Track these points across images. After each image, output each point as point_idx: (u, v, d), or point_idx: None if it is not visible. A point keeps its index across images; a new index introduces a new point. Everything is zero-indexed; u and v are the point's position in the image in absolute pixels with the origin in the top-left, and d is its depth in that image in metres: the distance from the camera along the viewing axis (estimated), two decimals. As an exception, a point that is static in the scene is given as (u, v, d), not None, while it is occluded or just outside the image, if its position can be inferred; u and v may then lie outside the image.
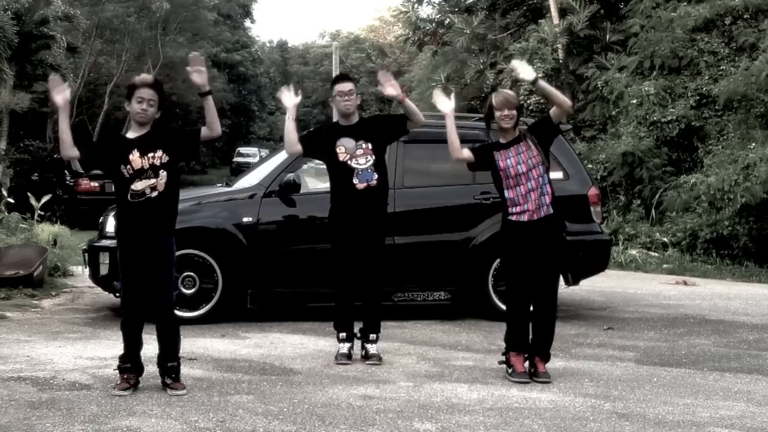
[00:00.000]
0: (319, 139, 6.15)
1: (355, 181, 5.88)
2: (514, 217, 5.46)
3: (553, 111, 5.52)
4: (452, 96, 5.61)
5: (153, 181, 4.97)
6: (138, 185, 4.96)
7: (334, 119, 6.31)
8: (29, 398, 4.87)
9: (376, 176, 5.93)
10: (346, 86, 6.02)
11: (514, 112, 5.45)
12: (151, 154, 4.98)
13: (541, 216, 5.42)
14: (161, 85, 5.21)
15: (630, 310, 8.70)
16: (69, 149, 5.03)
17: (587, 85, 18.91)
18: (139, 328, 5.12)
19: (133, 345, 5.10)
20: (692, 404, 5.03)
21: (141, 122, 5.03)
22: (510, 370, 5.51)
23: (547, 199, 5.45)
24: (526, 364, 5.52)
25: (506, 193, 5.48)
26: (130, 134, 5.09)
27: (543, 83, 5.58)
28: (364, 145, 5.93)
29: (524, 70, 5.56)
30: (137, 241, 5.01)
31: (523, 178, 5.43)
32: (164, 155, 5.00)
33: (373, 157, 5.94)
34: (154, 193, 4.97)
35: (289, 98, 5.96)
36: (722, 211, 13.98)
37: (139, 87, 5.00)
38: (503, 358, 5.60)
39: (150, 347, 5.24)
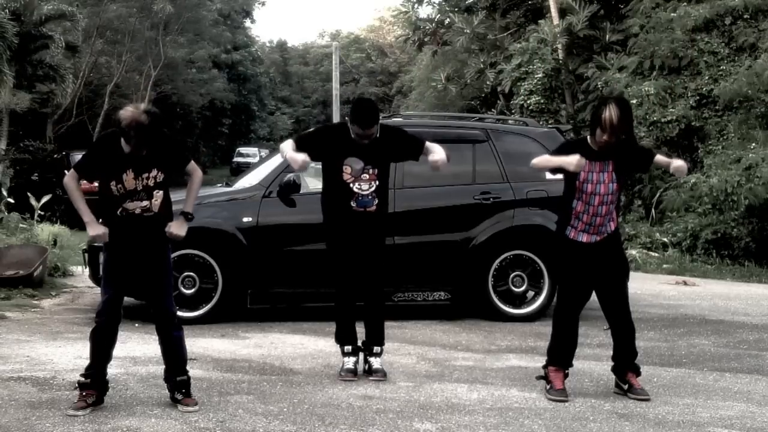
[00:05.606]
0: (326, 147, 5.62)
1: (353, 204, 5.53)
2: (572, 234, 5.11)
3: (668, 166, 5.18)
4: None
5: (146, 203, 4.64)
6: (129, 205, 4.64)
7: (335, 119, 6.08)
8: (29, 398, 4.86)
9: (375, 202, 5.56)
10: (370, 131, 5.46)
11: (614, 140, 4.95)
12: (145, 175, 4.61)
13: (604, 237, 5.13)
14: (156, 118, 4.52)
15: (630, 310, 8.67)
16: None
17: (587, 85, 18.92)
18: (112, 340, 4.74)
19: (100, 357, 4.70)
20: (692, 404, 5.03)
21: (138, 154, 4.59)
22: (548, 386, 5.16)
23: (612, 226, 5.15)
24: (566, 381, 5.20)
25: (573, 205, 5.08)
26: (126, 145, 4.55)
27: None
28: (371, 171, 5.54)
29: (682, 170, 5.19)
30: (128, 253, 4.69)
31: (596, 200, 5.03)
32: (159, 173, 4.65)
33: (377, 183, 5.57)
34: (149, 214, 4.65)
35: (298, 161, 5.42)
36: (725, 213, 13.95)
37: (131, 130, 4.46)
38: (543, 372, 5.25)
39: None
